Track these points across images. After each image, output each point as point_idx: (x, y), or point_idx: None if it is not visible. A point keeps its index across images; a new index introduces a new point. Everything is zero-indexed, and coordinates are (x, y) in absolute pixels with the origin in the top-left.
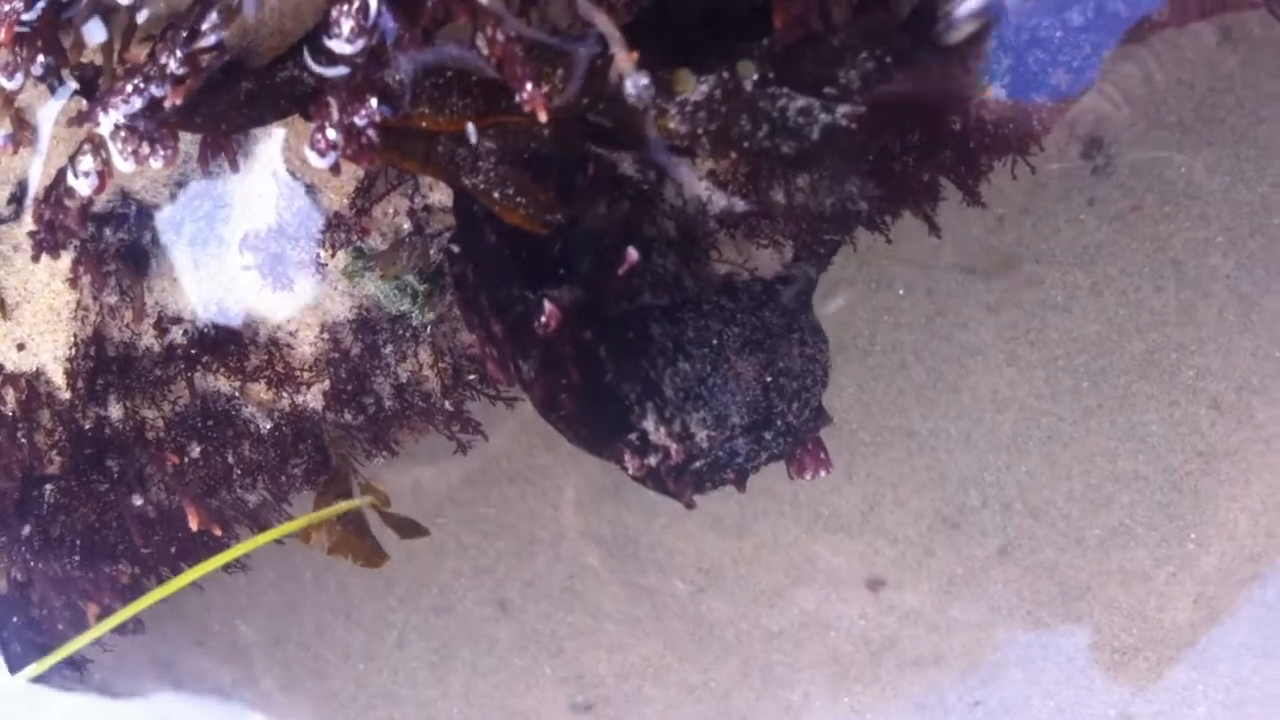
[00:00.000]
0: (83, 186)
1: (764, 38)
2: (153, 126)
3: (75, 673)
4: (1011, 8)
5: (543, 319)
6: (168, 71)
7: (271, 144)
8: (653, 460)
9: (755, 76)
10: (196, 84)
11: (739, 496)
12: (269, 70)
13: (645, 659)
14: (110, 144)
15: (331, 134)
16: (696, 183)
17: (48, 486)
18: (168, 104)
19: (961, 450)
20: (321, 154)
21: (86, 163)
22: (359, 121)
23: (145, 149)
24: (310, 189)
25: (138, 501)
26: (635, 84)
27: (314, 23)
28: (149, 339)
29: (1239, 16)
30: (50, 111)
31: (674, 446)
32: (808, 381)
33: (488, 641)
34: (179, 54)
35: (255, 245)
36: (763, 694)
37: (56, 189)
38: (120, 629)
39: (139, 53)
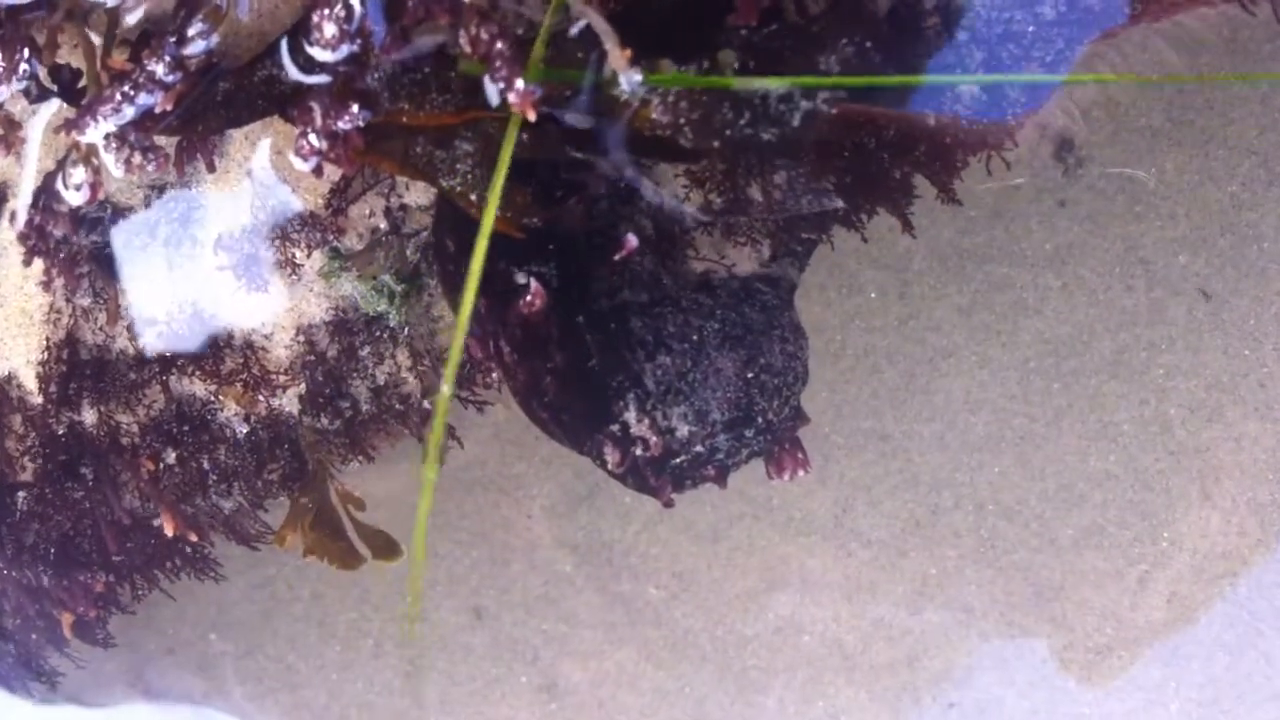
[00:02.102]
0: (74, 198)
1: (743, 27)
2: (142, 135)
3: (46, 687)
4: (983, 0)
5: (528, 298)
6: (156, 78)
7: (246, 144)
8: (636, 451)
9: (736, 65)
10: (187, 90)
11: (713, 501)
12: (247, 70)
13: (620, 665)
14: (102, 153)
15: (314, 140)
16: (673, 181)
17: (20, 494)
18: (159, 110)
19: (934, 452)
20: (305, 159)
21: (79, 174)
22: (343, 126)
23: (138, 158)
24: (285, 189)
25: (112, 508)
26: (629, 80)
27: (291, 22)
28: (123, 341)
29: (1208, 21)
30: (31, 116)
31: (654, 439)
32: (789, 379)
33: (463, 649)
34: (168, 59)
35: (230, 246)
36: (737, 699)
37: (46, 194)
38: (94, 642)
39: (116, 58)
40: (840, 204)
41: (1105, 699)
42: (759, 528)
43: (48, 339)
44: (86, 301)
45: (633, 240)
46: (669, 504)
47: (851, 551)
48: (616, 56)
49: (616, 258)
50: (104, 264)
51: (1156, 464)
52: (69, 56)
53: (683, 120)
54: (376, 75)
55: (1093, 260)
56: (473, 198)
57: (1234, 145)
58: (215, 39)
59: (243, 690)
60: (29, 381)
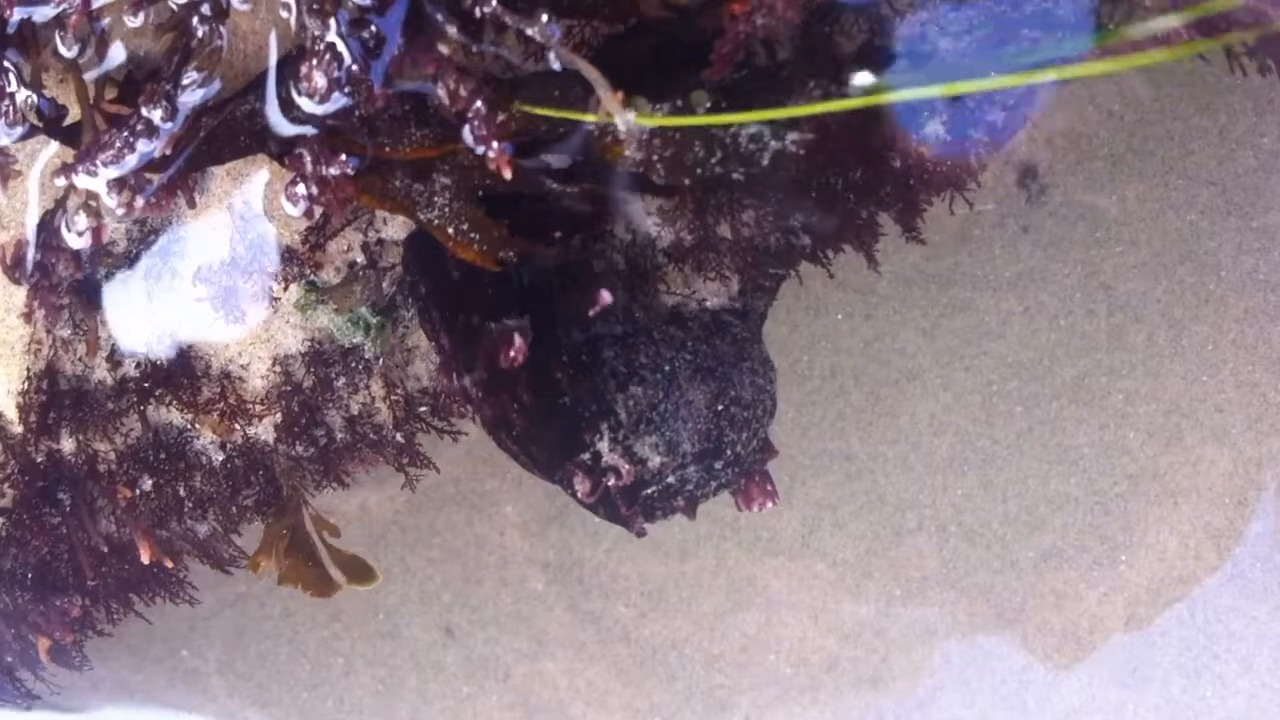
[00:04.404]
0: (77, 243)
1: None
2: (142, 179)
3: (25, 702)
4: (947, 46)
5: (511, 353)
6: (154, 125)
7: (227, 180)
8: (608, 481)
9: (708, 105)
10: (185, 134)
11: (681, 522)
12: (229, 105)
13: (590, 683)
14: (104, 196)
15: (305, 187)
16: (645, 218)
17: None
18: (158, 155)
19: (899, 473)
20: (296, 204)
21: (82, 221)
22: (333, 173)
23: (139, 201)
24: (264, 224)
25: (89, 534)
26: (625, 121)
27: (277, 59)
28: (102, 372)
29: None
30: (30, 157)
31: (626, 467)
32: (758, 411)
33: (434, 668)
34: (165, 105)
35: (208, 279)
36: (705, 717)
37: (46, 233)
38: (68, 664)
39: (107, 100)
40: (807, 241)
41: (1064, 719)
42: (726, 548)
43: (28, 369)
44: (66, 333)
45: (606, 296)
46: (641, 533)
47: (817, 572)
48: (610, 100)
49: (591, 313)
50: (84, 296)
51: (1116, 487)
52: (54, 91)
53: (655, 157)
54: (357, 114)
55: (1054, 285)
56: (450, 230)
57: (1193, 175)
58: (217, 85)
59: (214, 707)
60: (9, 411)
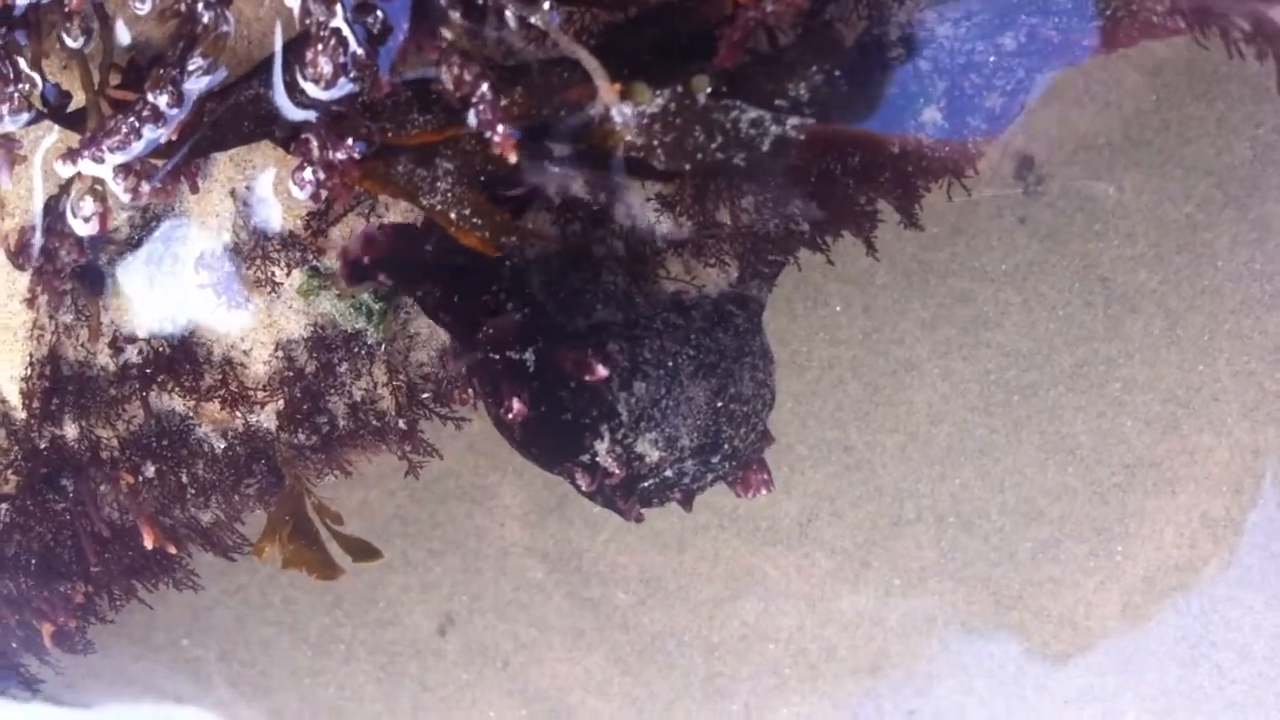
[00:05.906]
0: (84, 229)
1: (715, 55)
2: (149, 164)
3: (27, 692)
4: (946, 32)
5: (511, 415)
6: (160, 112)
7: (230, 165)
8: (608, 478)
9: (709, 90)
10: (192, 120)
11: (679, 511)
12: (233, 91)
13: (589, 672)
14: (110, 182)
15: (311, 172)
16: (644, 204)
17: (2, 506)
18: (164, 141)
19: (897, 464)
20: (302, 188)
21: (88, 206)
22: (339, 158)
23: (145, 186)
24: (267, 209)
25: (92, 520)
26: (621, 113)
27: (281, 45)
28: (104, 358)
29: (1166, 43)
30: (35, 142)
31: (625, 469)
32: (756, 406)
33: (434, 656)
34: (170, 91)
35: (211, 264)
36: (704, 705)
37: (51, 218)
38: (72, 649)
39: (112, 85)
40: (806, 227)
41: (1063, 707)
42: (725, 537)
43: (31, 355)
44: (69, 318)
45: (602, 370)
46: (639, 519)
47: (816, 561)
48: (607, 90)
49: (588, 379)
50: (87, 282)
51: (1113, 477)
52: (58, 77)
53: (656, 142)
54: (361, 99)
55: (1052, 276)
56: (453, 215)
57: (1191, 166)
58: (223, 72)
59: (215, 695)
60: (12, 396)
